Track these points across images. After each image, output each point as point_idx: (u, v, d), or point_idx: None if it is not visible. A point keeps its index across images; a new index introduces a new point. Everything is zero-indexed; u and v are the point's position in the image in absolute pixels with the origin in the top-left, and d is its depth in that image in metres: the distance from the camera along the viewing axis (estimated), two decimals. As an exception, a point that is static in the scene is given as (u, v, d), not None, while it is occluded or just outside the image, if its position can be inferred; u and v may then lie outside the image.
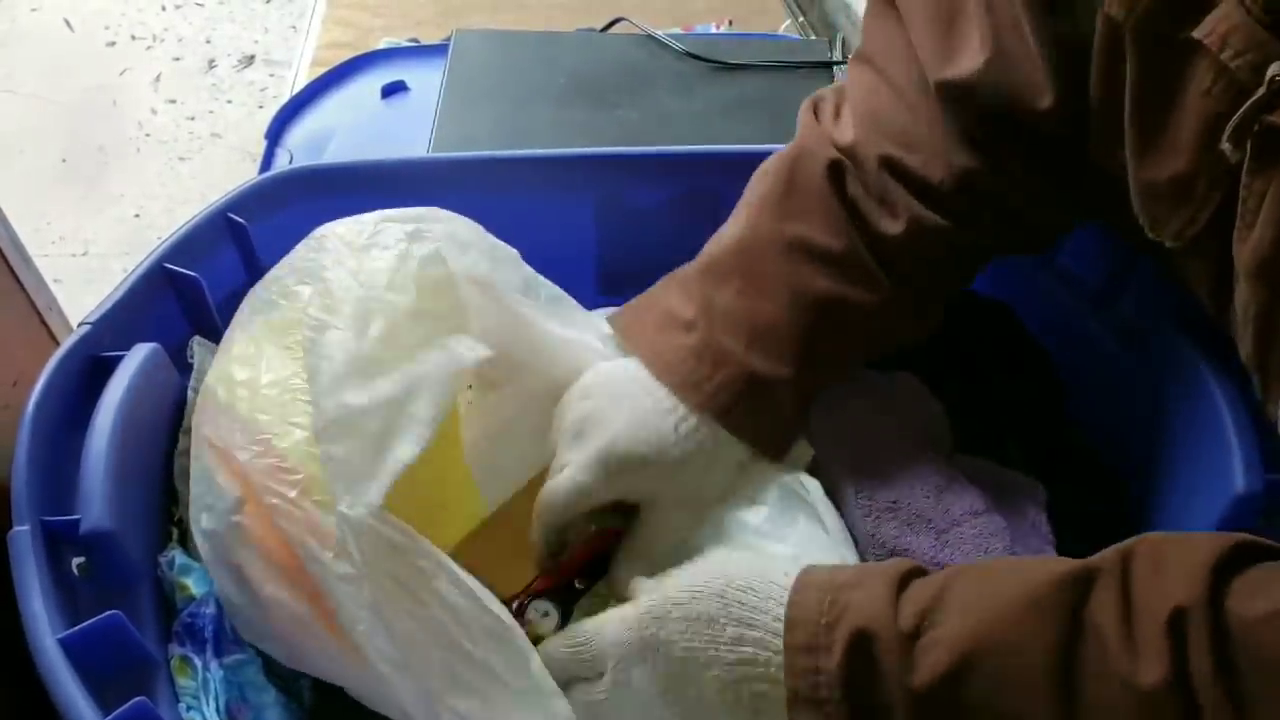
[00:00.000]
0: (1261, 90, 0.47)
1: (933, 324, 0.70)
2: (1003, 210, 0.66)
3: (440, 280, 0.62)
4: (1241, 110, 0.48)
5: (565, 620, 0.59)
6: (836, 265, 0.65)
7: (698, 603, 0.51)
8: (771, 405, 0.64)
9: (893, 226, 0.65)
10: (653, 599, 0.52)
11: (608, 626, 0.53)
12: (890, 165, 0.65)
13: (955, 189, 0.64)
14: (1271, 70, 0.47)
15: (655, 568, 0.57)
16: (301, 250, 0.65)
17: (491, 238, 0.67)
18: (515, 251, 0.69)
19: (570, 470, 0.60)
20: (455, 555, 0.54)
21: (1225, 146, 0.49)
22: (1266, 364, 0.52)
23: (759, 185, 0.69)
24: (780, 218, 0.66)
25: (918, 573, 0.50)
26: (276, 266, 0.66)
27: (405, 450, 0.54)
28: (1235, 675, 0.42)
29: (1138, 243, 0.63)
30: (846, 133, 0.67)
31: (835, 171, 0.66)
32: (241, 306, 0.66)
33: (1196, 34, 0.50)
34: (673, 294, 0.67)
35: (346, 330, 0.57)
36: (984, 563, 0.51)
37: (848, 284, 0.65)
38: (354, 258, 0.62)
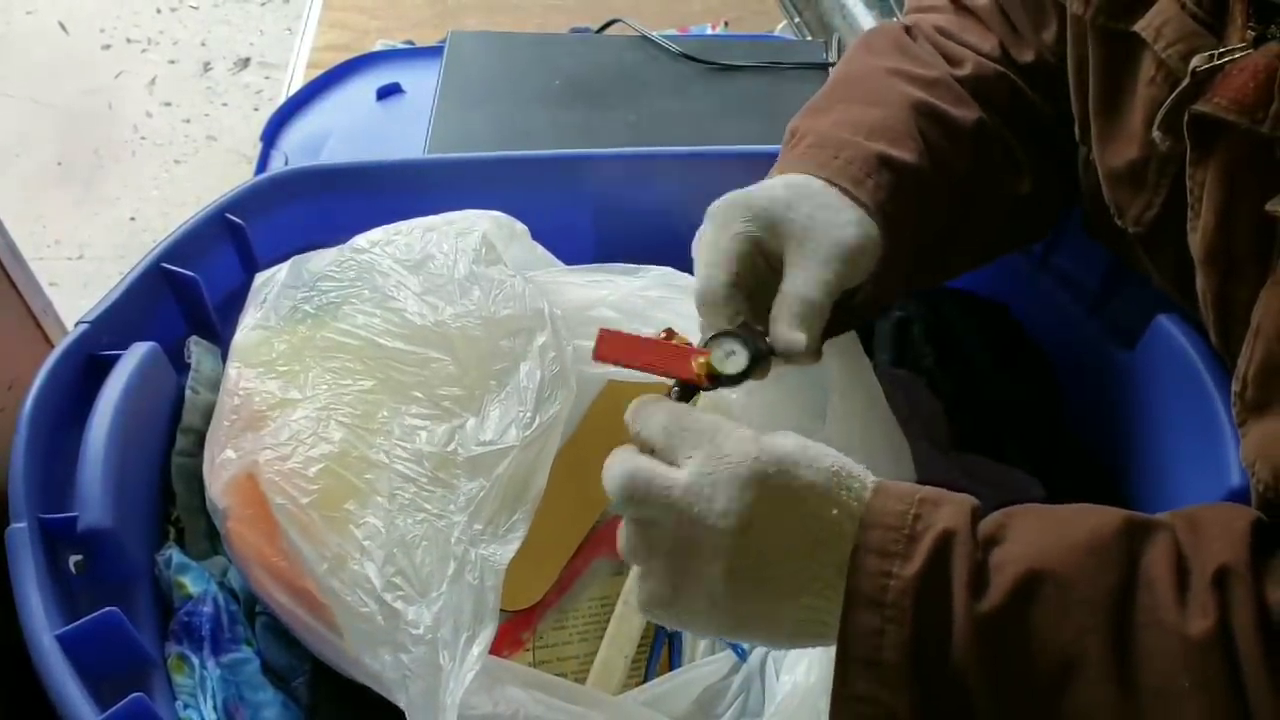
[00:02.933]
0: (1186, 81, 0.50)
1: (1023, 189, 0.69)
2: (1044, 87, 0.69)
3: (507, 277, 0.64)
4: (1168, 100, 0.51)
5: (753, 365, 0.55)
6: (933, 86, 0.67)
7: (811, 465, 0.48)
8: (899, 185, 0.61)
9: (960, 70, 0.69)
10: (778, 438, 0.50)
11: (731, 429, 0.50)
12: (944, 31, 0.71)
13: (1001, 54, 0.70)
14: (1194, 61, 0.49)
15: None
16: (349, 263, 0.66)
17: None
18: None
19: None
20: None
21: (1156, 135, 0.52)
22: (1229, 346, 0.53)
23: (841, 61, 0.73)
24: (872, 57, 0.69)
25: (979, 509, 0.49)
26: (302, 266, 0.67)
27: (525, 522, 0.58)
28: (1273, 641, 0.43)
29: (1106, 240, 0.66)
30: (905, 19, 0.74)
31: (908, 31, 0.72)
32: (267, 305, 0.66)
33: (1137, 26, 0.54)
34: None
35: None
36: (1039, 506, 0.50)
37: (946, 102, 0.66)
38: (413, 275, 0.64)
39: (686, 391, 0.55)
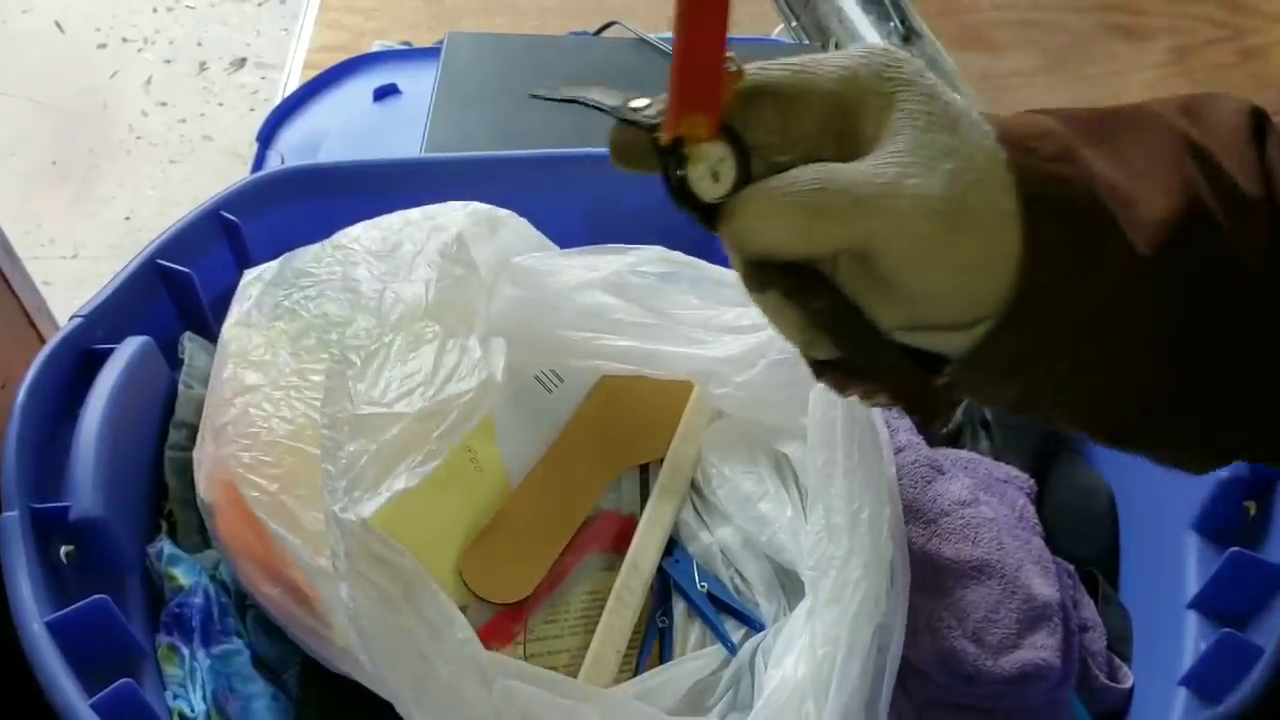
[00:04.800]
0: None
1: None
2: None
3: (464, 271, 0.64)
4: None
5: (745, 177, 0.39)
6: (1240, 216, 0.42)
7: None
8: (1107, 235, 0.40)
9: None
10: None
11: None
12: None
13: None
14: None
15: None
16: (326, 257, 0.66)
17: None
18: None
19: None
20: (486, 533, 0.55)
21: None
22: None
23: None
24: (1182, 118, 0.45)
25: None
26: (289, 264, 0.67)
27: (408, 479, 0.55)
28: None
29: None
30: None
31: (1255, 118, 0.45)
32: (250, 302, 0.66)
33: None
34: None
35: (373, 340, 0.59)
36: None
37: (1242, 238, 0.42)
38: (381, 263, 0.64)
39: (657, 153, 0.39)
